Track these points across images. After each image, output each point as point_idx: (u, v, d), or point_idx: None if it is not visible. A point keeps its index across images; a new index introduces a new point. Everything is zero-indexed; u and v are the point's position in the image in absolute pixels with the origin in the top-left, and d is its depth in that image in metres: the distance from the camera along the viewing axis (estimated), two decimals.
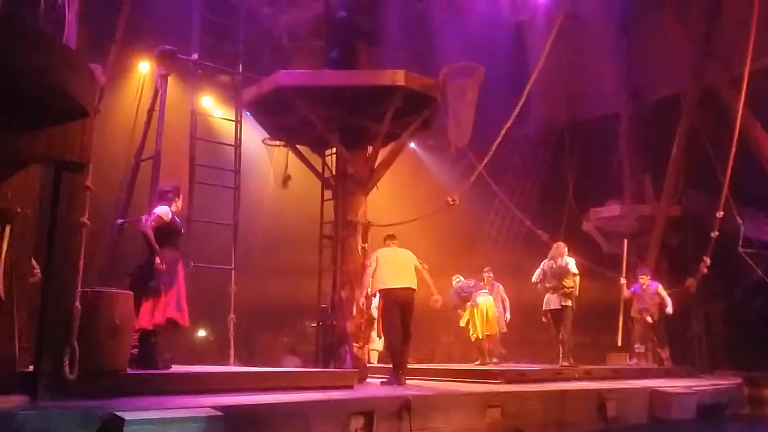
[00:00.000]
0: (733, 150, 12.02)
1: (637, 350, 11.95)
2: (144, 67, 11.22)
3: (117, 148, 9.51)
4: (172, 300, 6.61)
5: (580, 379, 9.82)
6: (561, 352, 10.56)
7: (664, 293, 12.18)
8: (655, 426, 8.89)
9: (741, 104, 11.94)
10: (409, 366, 9.90)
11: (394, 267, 7.97)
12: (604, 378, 10.18)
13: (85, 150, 5.29)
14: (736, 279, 14.84)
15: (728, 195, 12.50)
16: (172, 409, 5.06)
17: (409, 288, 7.89)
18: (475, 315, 10.82)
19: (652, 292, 12.11)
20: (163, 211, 6.57)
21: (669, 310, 12.06)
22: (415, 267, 8.06)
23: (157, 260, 6.38)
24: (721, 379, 11.80)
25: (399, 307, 7.85)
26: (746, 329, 14.51)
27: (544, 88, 15.66)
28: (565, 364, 10.33)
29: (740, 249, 12.87)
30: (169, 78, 8.79)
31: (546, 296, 10.58)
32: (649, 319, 11.98)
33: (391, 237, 8.34)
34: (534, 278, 10.65)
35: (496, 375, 8.92)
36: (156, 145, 8.13)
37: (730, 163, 11.93)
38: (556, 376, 9.66)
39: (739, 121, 12.18)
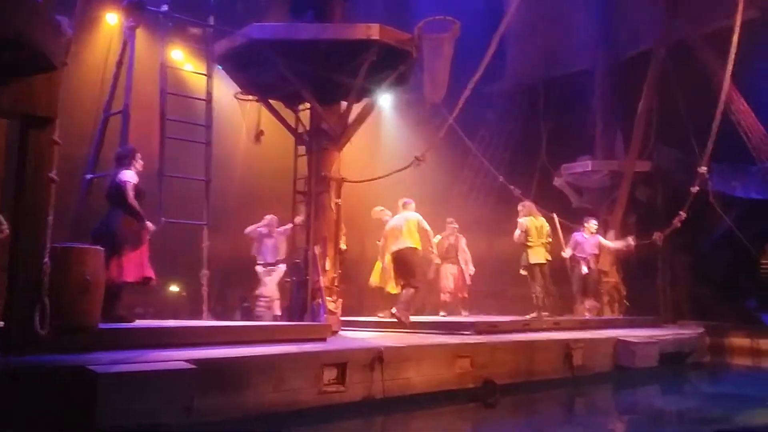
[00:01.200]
0: (720, 108, 12.14)
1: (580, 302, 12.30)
2: (112, 19, 10.94)
3: (85, 102, 9.33)
4: (145, 258, 6.72)
5: (548, 329, 10.09)
6: (545, 303, 10.87)
7: (605, 242, 12.40)
8: (620, 374, 9.20)
9: (728, 72, 11.95)
10: (381, 319, 10.22)
11: (393, 234, 9.55)
12: (571, 328, 10.47)
13: (52, 104, 5.21)
14: (702, 233, 15.19)
15: (698, 150, 12.70)
16: (145, 362, 5.13)
17: (404, 248, 9.31)
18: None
19: (593, 243, 12.35)
20: (131, 176, 6.69)
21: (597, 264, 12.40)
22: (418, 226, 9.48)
23: (149, 225, 6.81)
24: (684, 329, 12.20)
25: (397, 265, 9.46)
26: (711, 281, 14.93)
27: (519, 43, 15.64)
28: (546, 314, 10.66)
29: (711, 200, 13.17)
30: (138, 30, 8.61)
31: (527, 252, 10.76)
32: (584, 269, 12.21)
33: (405, 204, 9.88)
34: (518, 236, 10.79)
35: (467, 326, 9.11)
36: (125, 99, 8.00)
37: (718, 118, 12.05)
38: (525, 327, 9.91)
39: (718, 78, 12.28)
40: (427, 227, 9.82)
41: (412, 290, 9.34)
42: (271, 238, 10.60)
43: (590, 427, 7.02)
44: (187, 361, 5.23)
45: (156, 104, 8.34)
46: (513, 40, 12.55)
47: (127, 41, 8.38)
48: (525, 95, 16.01)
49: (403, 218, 9.67)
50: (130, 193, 6.61)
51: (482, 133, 15.54)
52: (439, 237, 11.50)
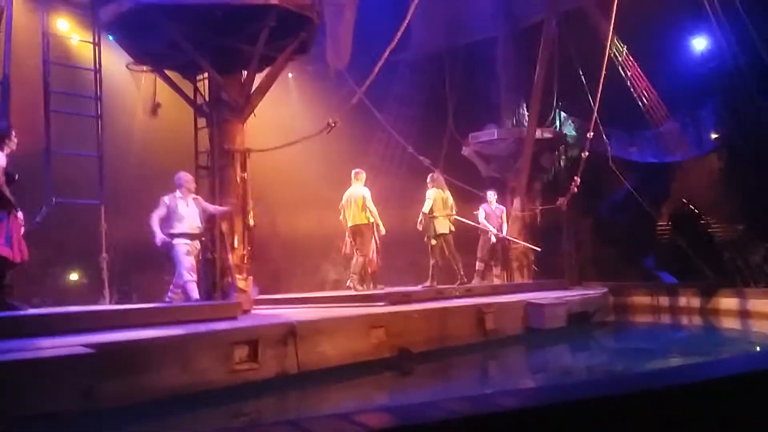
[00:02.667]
0: (603, 73, 12.52)
1: (477, 269, 12.54)
2: None
3: None
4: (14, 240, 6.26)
5: (460, 296, 10.21)
6: (457, 270, 11.21)
7: (504, 218, 12.74)
8: (531, 335, 9.43)
9: (611, 34, 12.33)
10: (294, 296, 10.06)
11: (349, 208, 10.21)
12: (482, 294, 10.64)
13: None
14: (602, 197, 15.81)
15: (596, 116, 13.12)
16: (37, 350, 4.78)
17: (358, 224, 10.11)
18: None
19: (498, 214, 12.64)
20: None
21: (503, 233, 12.70)
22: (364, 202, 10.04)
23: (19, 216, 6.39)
24: (588, 290, 12.66)
25: (354, 239, 10.23)
26: (612, 243, 15.59)
27: (423, 11, 15.56)
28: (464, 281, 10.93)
29: (611, 164, 13.67)
30: None
31: (434, 223, 10.85)
32: (493, 238, 12.50)
33: (356, 175, 10.38)
34: (427, 208, 10.88)
35: (381, 297, 9.08)
36: (3, 69, 7.36)
37: (600, 86, 12.44)
38: (438, 295, 9.98)
39: (608, 44, 12.67)
40: (371, 206, 10.23)
41: (361, 259, 10.17)
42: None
43: (506, 386, 7.13)
44: (84, 345, 4.91)
45: (40, 76, 7.71)
46: (417, 8, 12.42)
47: (4, 8, 7.70)
48: (431, 64, 16.03)
49: (354, 193, 10.26)
50: None
51: (390, 103, 15.46)
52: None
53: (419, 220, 11.09)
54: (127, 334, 5.62)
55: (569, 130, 16.73)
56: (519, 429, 2.28)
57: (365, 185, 10.46)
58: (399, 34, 9.95)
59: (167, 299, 8.19)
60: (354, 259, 10.37)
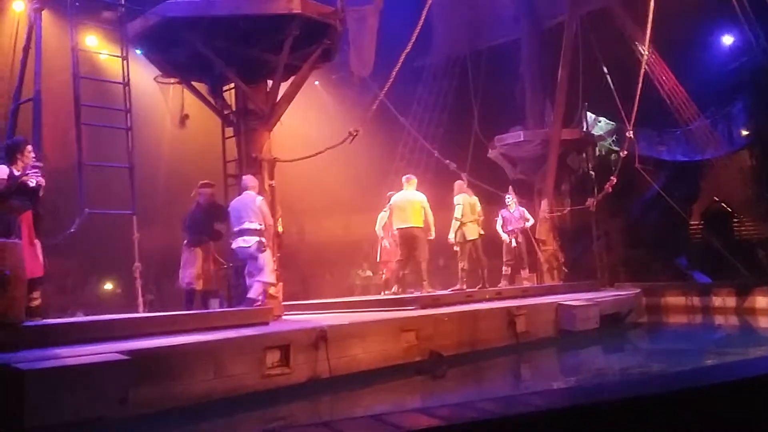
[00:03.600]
0: (642, 73, 12.38)
1: (504, 272, 12.35)
2: (18, 6, 10.36)
3: None
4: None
5: (490, 300, 10.16)
6: (482, 275, 11.14)
7: (528, 215, 12.53)
8: (562, 338, 9.34)
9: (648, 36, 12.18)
10: (324, 301, 10.11)
11: (402, 211, 10.05)
12: (512, 297, 10.58)
13: None
14: (632, 197, 15.62)
15: (625, 116, 12.99)
16: (74, 357, 4.86)
17: (412, 228, 9.92)
18: None
19: (518, 216, 12.46)
20: None
21: (529, 224, 12.45)
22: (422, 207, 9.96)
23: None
24: (621, 291, 12.50)
25: (405, 243, 10.00)
26: (643, 243, 15.38)
27: (445, 16, 15.60)
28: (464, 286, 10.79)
29: (637, 165, 13.50)
30: (45, 13, 8.10)
31: (463, 228, 10.88)
32: (513, 242, 12.31)
33: (407, 180, 10.29)
34: (458, 213, 10.91)
35: (410, 301, 9.08)
36: (35, 86, 7.53)
37: (640, 84, 12.30)
38: (468, 299, 9.96)
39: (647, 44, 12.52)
40: (429, 210, 10.17)
41: (424, 264, 10.05)
42: None
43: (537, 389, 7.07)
44: (119, 352, 4.99)
45: (70, 91, 7.86)
46: (439, 13, 12.46)
47: (33, 25, 7.88)
48: (454, 68, 16.03)
49: (408, 197, 10.16)
50: None
51: (415, 108, 15.49)
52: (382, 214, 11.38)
53: (453, 227, 10.96)
54: (161, 341, 5.70)
55: (598, 129, 16.57)
56: (549, 429, 2.28)
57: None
58: (414, 38, 9.93)
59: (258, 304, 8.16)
60: (395, 271, 10.29)
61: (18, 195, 6.42)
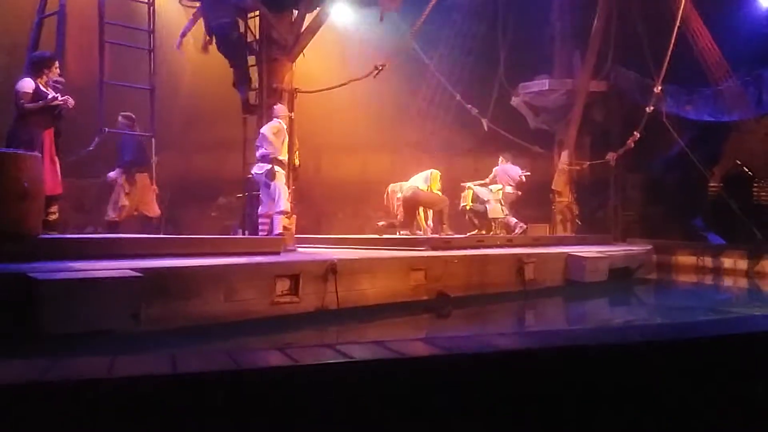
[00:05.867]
0: (676, 25, 12.05)
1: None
2: None
3: (19, 5, 8.73)
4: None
5: (501, 246, 10.21)
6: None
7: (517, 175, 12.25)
8: (570, 288, 9.41)
9: None
10: (337, 236, 10.22)
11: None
12: (523, 245, 10.62)
13: None
14: (654, 154, 15.39)
15: (654, 71, 12.68)
16: (89, 270, 4.97)
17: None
18: None
19: (510, 174, 12.21)
20: (23, 84, 6.46)
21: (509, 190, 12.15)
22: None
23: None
24: (632, 246, 12.49)
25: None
26: (661, 201, 15.26)
27: None
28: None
29: (664, 120, 13.27)
30: None
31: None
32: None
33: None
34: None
35: (422, 242, 9.15)
36: (58, 0, 7.48)
37: (674, 37, 11.99)
38: (479, 244, 10.01)
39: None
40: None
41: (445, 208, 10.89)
42: None
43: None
44: (133, 269, 5.09)
45: (95, 7, 7.80)
46: None
47: None
48: (484, 10, 15.62)
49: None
50: (20, 101, 6.41)
51: (440, 49, 15.19)
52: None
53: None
54: (174, 262, 5.81)
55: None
56: (549, 365, 2.33)
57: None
58: None
59: (260, 232, 8.33)
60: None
61: (42, 111, 6.45)
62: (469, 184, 12.10)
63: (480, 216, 11.92)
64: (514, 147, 13.17)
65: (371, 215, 15.34)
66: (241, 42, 8.77)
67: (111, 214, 8.65)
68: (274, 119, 8.41)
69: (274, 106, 8.47)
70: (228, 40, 8.64)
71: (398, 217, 11.16)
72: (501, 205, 11.72)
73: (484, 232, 11.64)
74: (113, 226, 8.58)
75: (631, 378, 2.37)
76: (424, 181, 10.89)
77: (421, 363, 2.17)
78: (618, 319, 8.42)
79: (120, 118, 8.54)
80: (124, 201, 8.57)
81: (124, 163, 8.65)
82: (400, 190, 11.21)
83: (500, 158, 12.28)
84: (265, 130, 8.37)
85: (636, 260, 11.11)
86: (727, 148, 15.62)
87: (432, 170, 11.03)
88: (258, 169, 8.37)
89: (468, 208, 11.97)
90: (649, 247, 12.39)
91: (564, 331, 3.96)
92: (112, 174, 8.73)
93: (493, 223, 11.89)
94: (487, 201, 11.83)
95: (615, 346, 2.55)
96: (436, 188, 10.94)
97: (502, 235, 11.04)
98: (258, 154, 8.38)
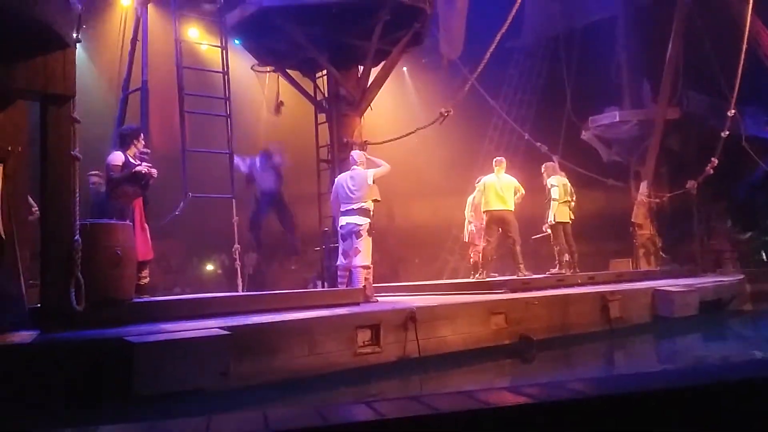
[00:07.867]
0: (744, 46, 11.73)
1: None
2: (125, 1, 10.95)
3: (105, 81, 9.38)
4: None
5: (582, 284, 9.96)
6: (570, 259, 10.72)
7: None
8: (659, 324, 9.05)
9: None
10: (414, 283, 10.22)
11: (493, 194, 9.85)
12: (606, 282, 10.32)
13: (68, 81, 5.21)
14: (737, 179, 14.82)
15: (727, 93, 12.32)
16: (179, 331, 5.18)
17: (503, 210, 9.79)
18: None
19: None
20: (113, 157, 6.84)
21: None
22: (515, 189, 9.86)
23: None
24: (723, 277, 11.94)
25: (495, 225, 9.95)
26: (749, 227, 14.60)
27: None
28: (566, 271, 10.46)
29: (744, 144, 12.80)
30: (150, 7, 8.60)
31: (556, 211, 10.59)
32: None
33: (498, 162, 10.06)
34: (556, 194, 10.56)
35: (500, 285, 9.05)
36: (142, 76, 8.00)
37: (741, 59, 11.67)
38: (559, 283, 9.80)
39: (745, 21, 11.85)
40: (522, 192, 10.05)
41: (518, 248, 9.95)
42: None
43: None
44: (221, 328, 5.26)
45: (174, 80, 8.30)
46: None
47: (140, 18, 8.36)
48: (546, 49, 15.68)
49: (500, 180, 9.99)
50: (111, 174, 6.80)
51: (505, 90, 15.27)
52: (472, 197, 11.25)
53: (552, 208, 10.58)
54: (260, 318, 5.97)
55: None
56: (641, 411, 2.27)
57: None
58: (510, 18, 9.78)
59: (339, 284, 8.10)
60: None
61: (131, 182, 6.84)
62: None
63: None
64: (584, 179, 12.82)
65: (448, 258, 15.34)
66: None
67: None
68: (361, 168, 7.92)
69: (352, 153, 8.11)
70: None
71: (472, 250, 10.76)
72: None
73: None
74: None
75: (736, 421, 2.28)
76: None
77: (508, 412, 2.17)
78: (714, 355, 8.03)
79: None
80: None
81: None
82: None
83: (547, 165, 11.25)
84: (366, 180, 7.85)
85: (728, 291, 10.62)
86: None
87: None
88: (355, 222, 7.87)
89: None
90: (741, 276, 11.82)
91: (659, 373, 3.83)
92: None
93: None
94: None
95: (712, 385, 2.46)
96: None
97: (581, 273, 10.69)
98: (351, 206, 7.85)
